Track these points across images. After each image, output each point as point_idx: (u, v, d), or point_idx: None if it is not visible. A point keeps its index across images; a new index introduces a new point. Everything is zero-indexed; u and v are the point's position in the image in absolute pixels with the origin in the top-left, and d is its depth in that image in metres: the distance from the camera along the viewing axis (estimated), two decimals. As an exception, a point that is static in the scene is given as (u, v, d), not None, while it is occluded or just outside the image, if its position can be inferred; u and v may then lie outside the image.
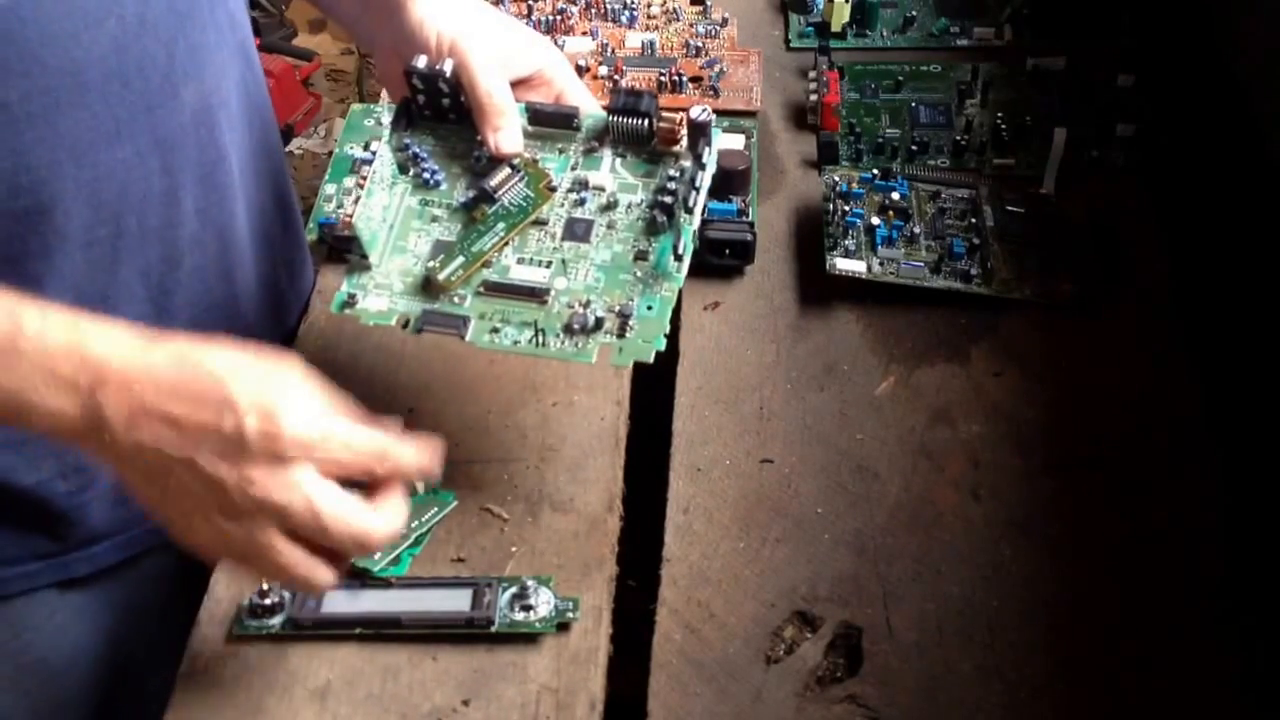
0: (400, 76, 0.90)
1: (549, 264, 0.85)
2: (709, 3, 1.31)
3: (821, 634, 0.83)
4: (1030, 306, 1.02)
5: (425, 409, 0.96)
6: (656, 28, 1.29)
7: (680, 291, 0.83)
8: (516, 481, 0.91)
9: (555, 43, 1.26)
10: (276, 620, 0.83)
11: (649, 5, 1.31)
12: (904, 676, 0.81)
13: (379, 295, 0.86)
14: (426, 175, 0.90)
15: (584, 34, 1.28)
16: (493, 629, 0.82)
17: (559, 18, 1.29)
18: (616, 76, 1.22)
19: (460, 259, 0.85)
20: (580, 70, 1.23)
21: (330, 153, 1.22)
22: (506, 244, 0.86)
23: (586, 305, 0.83)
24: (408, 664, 0.82)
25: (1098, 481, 0.91)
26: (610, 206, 0.87)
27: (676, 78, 1.21)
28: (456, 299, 0.85)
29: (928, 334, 1.01)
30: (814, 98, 1.19)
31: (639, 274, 0.84)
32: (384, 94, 1.08)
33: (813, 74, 1.21)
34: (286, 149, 2.74)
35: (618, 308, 0.83)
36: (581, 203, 0.87)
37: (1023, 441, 0.93)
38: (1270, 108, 1.13)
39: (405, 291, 0.86)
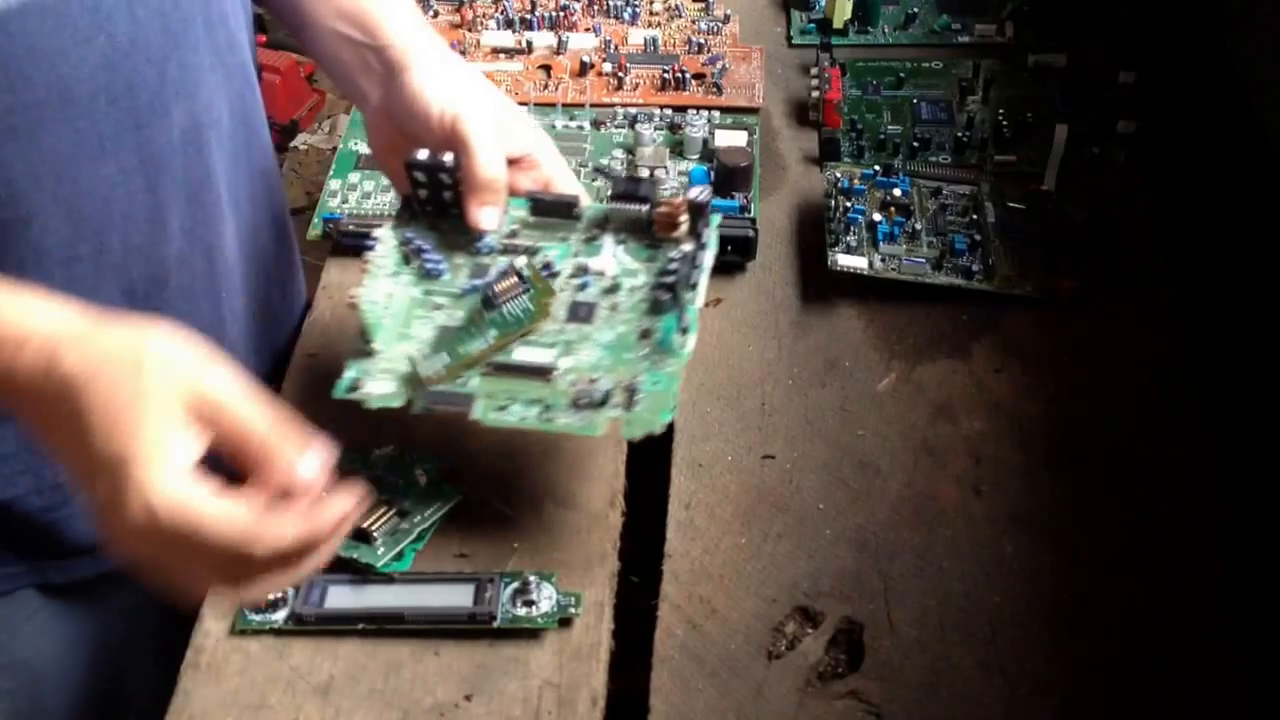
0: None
1: (553, 345, 0.85)
2: (711, -1, 1.31)
3: (823, 629, 0.83)
4: (1031, 303, 1.02)
5: (428, 405, 0.96)
6: (659, 24, 1.29)
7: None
8: (519, 477, 0.91)
9: (559, 39, 1.26)
10: (280, 615, 0.83)
11: (651, 2, 1.32)
12: (905, 672, 0.81)
13: (384, 379, 0.85)
14: (430, 266, 0.89)
15: (587, 30, 1.28)
16: (495, 624, 0.82)
17: (562, 14, 1.29)
18: (620, 74, 1.23)
19: (445, 358, 0.84)
20: (584, 66, 1.23)
21: (335, 148, 1.23)
22: (495, 351, 0.84)
23: (593, 382, 0.82)
24: (410, 659, 0.82)
25: (1099, 477, 0.91)
26: (613, 290, 0.87)
27: (679, 74, 1.22)
28: (459, 381, 0.84)
29: (929, 330, 1.01)
30: (816, 94, 1.19)
31: (644, 352, 0.83)
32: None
33: (815, 70, 1.21)
34: (291, 145, 2.75)
35: (625, 383, 0.82)
36: (584, 287, 0.87)
37: (1024, 437, 0.94)
38: (1271, 104, 1.13)
39: (410, 375, 0.85)
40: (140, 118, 0.83)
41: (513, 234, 0.91)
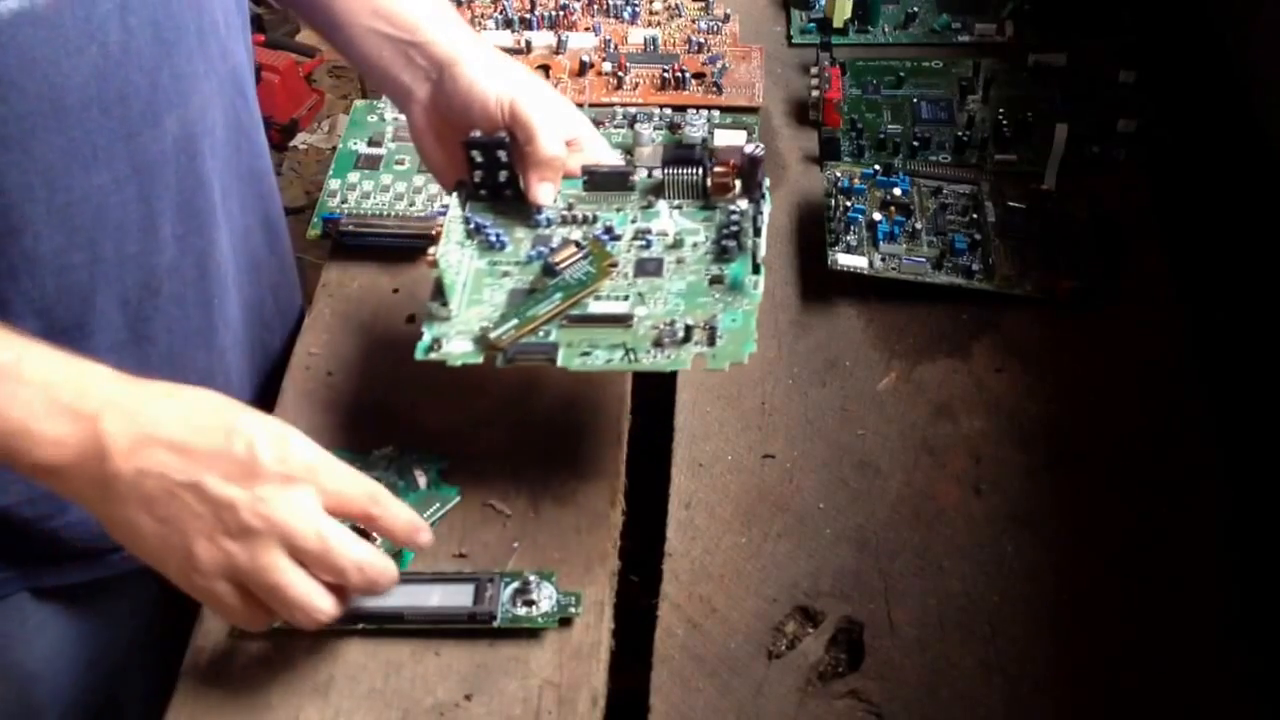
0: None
1: (626, 297, 0.86)
2: (711, -1, 1.31)
3: (823, 629, 0.83)
4: (1032, 302, 1.02)
5: (429, 404, 0.96)
6: (659, 24, 1.29)
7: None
8: (519, 476, 0.91)
9: (558, 38, 1.26)
10: (280, 615, 0.83)
11: (651, 1, 1.31)
12: (905, 671, 0.81)
13: (461, 339, 0.86)
14: (492, 239, 0.91)
15: (587, 29, 1.28)
16: (495, 624, 0.82)
17: (562, 13, 1.29)
18: (620, 73, 1.22)
19: (514, 321, 0.85)
20: (584, 66, 1.23)
21: (334, 148, 1.22)
22: (561, 313, 0.86)
23: (671, 324, 0.84)
24: (410, 659, 0.82)
25: (1099, 476, 0.91)
26: (676, 245, 0.89)
27: (679, 74, 1.21)
28: (542, 333, 0.85)
29: (929, 329, 1.01)
30: (816, 93, 1.19)
31: (717, 295, 0.85)
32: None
33: (815, 70, 1.21)
34: (291, 144, 2.74)
35: (703, 322, 0.83)
36: (647, 246, 0.89)
37: (1024, 437, 0.94)
38: (1271, 104, 1.13)
39: (483, 336, 0.86)
40: (132, 126, 0.83)
41: (570, 207, 0.93)
